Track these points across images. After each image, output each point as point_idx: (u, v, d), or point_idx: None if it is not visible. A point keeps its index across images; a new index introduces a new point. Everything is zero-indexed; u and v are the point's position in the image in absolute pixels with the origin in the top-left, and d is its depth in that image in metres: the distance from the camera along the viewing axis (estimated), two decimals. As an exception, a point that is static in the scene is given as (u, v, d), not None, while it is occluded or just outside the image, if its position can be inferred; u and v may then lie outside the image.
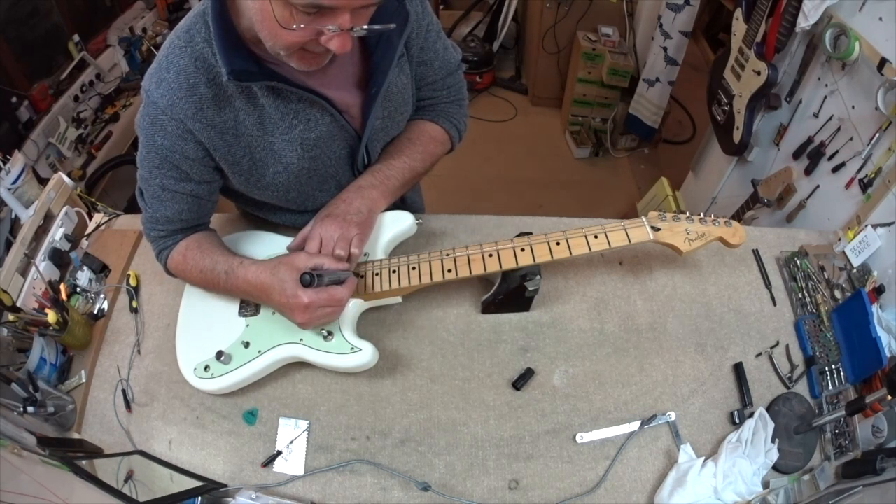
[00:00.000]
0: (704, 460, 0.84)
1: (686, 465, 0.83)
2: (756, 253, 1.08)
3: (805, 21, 1.36)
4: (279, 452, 0.86)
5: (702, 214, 0.92)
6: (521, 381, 0.90)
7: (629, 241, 0.89)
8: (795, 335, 0.99)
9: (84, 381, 0.93)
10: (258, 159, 0.83)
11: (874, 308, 0.93)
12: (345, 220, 0.86)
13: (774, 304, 1.03)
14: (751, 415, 0.88)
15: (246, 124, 0.79)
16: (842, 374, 0.93)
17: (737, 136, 1.75)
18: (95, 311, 1.00)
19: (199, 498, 0.80)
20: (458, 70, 1.00)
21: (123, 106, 2.40)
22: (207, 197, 0.88)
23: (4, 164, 1.04)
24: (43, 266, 1.03)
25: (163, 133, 0.77)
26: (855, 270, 1.03)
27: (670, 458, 0.86)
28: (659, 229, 0.90)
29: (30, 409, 0.81)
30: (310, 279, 0.77)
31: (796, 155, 1.50)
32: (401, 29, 0.81)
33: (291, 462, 0.85)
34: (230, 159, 0.82)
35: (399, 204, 1.06)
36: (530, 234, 0.91)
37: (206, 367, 0.86)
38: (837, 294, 1.02)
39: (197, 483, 0.82)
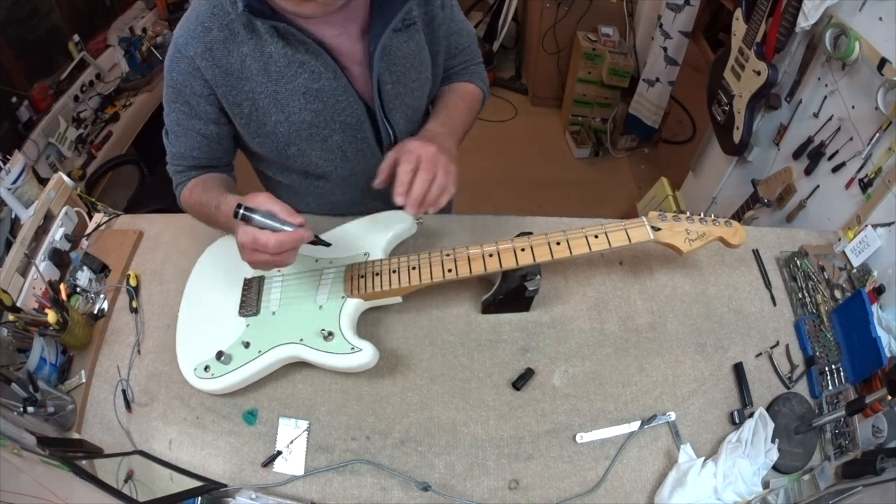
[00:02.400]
0: (704, 460, 0.84)
1: (686, 465, 0.83)
2: (756, 253, 1.08)
3: (805, 21, 1.36)
4: (279, 452, 0.86)
5: (702, 214, 0.92)
6: (521, 381, 0.90)
7: (629, 241, 0.89)
8: (795, 335, 0.99)
9: (84, 381, 0.93)
10: (260, 106, 0.87)
11: (874, 308, 0.93)
12: (448, 154, 0.84)
13: (774, 304, 1.03)
14: (751, 415, 0.88)
15: (252, 70, 0.83)
16: (842, 374, 0.93)
17: (737, 136, 1.75)
18: (95, 311, 1.00)
19: (199, 498, 0.80)
20: (474, 36, 1.11)
21: (123, 106, 2.40)
22: (216, 140, 0.93)
23: (4, 164, 1.04)
24: (43, 266, 1.02)
25: (177, 69, 0.84)
26: (855, 270, 1.03)
27: (670, 458, 0.86)
28: (659, 229, 0.90)
29: (30, 409, 0.81)
30: (238, 211, 0.72)
31: (796, 155, 1.50)
32: None
33: (291, 462, 0.85)
34: (231, 100, 0.86)
35: None
36: (530, 234, 0.91)
37: (207, 367, 0.86)
38: (837, 294, 1.02)
39: (197, 483, 0.82)
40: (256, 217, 0.74)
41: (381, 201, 0.98)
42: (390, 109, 0.94)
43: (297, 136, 0.90)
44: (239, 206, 0.73)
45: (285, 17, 0.79)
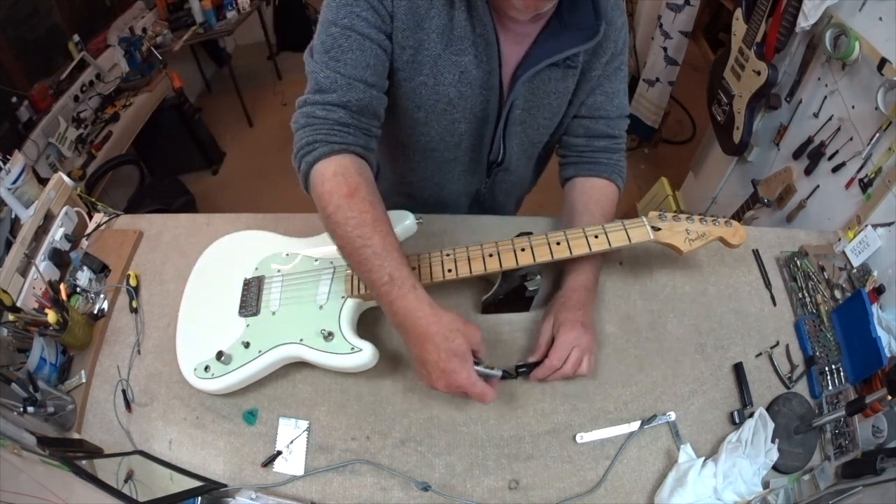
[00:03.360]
0: (704, 460, 0.84)
1: (686, 465, 0.83)
2: (756, 253, 1.08)
3: (805, 21, 1.36)
4: (279, 452, 0.86)
5: (702, 214, 0.92)
6: (524, 367, 0.88)
7: (629, 240, 0.89)
8: (795, 335, 0.99)
9: (84, 381, 0.93)
10: (419, 60, 0.85)
11: (874, 308, 0.93)
12: (592, 334, 0.89)
13: (774, 304, 1.03)
14: (751, 415, 0.88)
15: (431, 25, 0.82)
16: (842, 374, 0.93)
17: (737, 136, 1.75)
18: (95, 311, 1.00)
19: (199, 498, 0.80)
20: (627, 118, 1.04)
21: (123, 106, 2.41)
22: (384, 66, 0.84)
23: (4, 164, 1.04)
24: (43, 266, 1.03)
25: None
26: (855, 270, 1.03)
27: (670, 458, 0.86)
28: (659, 229, 0.90)
29: (30, 409, 0.81)
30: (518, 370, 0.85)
31: (796, 155, 1.50)
32: (579, 40, 0.85)
33: (291, 462, 0.85)
34: (400, 40, 0.83)
35: (489, 204, 1.17)
36: (530, 234, 0.90)
37: (207, 367, 0.86)
38: (837, 294, 1.02)
39: (197, 483, 0.82)
40: (483, 369, 0.79)
41: (448, 197, 1.11)
42: (510, 133, 0.96)
43: (433, 105, 0.90)
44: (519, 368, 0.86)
45: None
